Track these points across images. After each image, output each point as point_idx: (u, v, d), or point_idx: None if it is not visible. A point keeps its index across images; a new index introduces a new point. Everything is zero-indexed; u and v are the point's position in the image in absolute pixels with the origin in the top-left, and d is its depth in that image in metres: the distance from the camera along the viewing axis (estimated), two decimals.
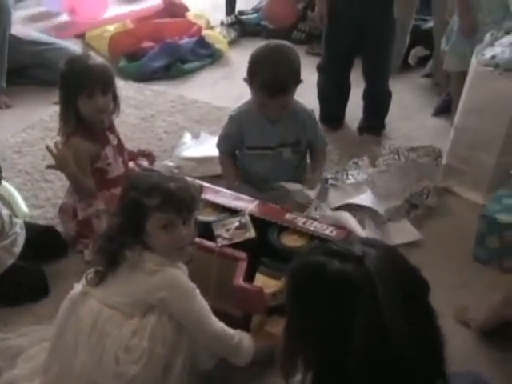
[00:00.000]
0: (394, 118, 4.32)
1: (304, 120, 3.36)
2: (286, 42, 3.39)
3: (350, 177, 3.48)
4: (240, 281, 2.54)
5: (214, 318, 2.32)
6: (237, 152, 3.46)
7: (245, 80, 3.27)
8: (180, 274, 2.31)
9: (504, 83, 3.32)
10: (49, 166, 3.16)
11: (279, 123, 3.31)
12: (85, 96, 3.05)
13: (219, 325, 2.33)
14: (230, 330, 2.37)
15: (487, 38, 3.54)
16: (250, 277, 2.59)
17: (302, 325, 1.53)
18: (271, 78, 3.10)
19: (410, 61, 5.02)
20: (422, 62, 5.00)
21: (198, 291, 2.29)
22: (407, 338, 1.41)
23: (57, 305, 2.41)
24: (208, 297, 2.37)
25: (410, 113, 4.48)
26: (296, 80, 3.22)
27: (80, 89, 3.05)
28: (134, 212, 2.25)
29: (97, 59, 3.21)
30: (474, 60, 3.46)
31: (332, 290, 1.46)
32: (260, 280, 2.59)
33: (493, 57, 3.35)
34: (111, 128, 3.27)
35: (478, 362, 2.58)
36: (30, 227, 3.10)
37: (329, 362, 1.46)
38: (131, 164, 3.42)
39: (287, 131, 3.33)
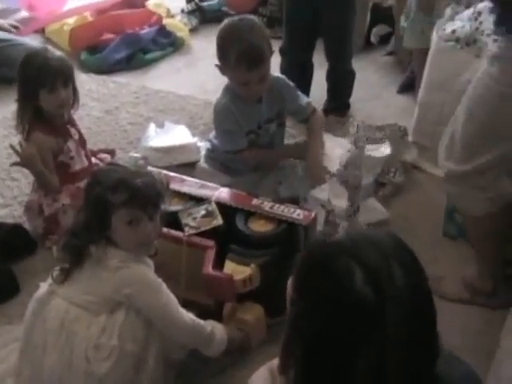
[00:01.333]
0: (359, 97, 4.30)
1: (279, 89, 3.28)
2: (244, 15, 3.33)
3: None
4: (209, 269, 2.52)
5: (182, 311, 2.29)
6: None
7: (217, 66, 3.18)
8: (145, 269, 2.28)
9: (464, 58, 3.31)
10: (14, 164, 3.14)
11: (262, 100, 3.23)
12: (46, 91, 3.02)
13: (189, 317, 2.30)
14: (201, 322, 2.35)
15: (447, 12, 3.52)
16: (219, 265, 2.56)
17: (305, 321, 1.39)
18: (247, 47, 3.01)
19: (372, 39, 5.02)
20: (385, 40, 4.99)
21: (164, 285, 2.26)
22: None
23: (27, 304, 2.38)
24: (179, 287, 2.36)
25: (375, 91, 4.48)
26: (269, 47, 3.12)
27: (41, 84, 3.01)
28: (99, 208, 2.21)
29: (55, 53, 3.16)
30: (434, 35, 3.46)
31: (344, 311, 1.32)
32: (230, 267, 2.56)
33: (453, 31, 3.34)
34: (71, 122, 3.24)
35: (455, 334, 2.58)
36: None
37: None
38: (94, 159, 3.39)
39: (270, 106, 3.26)
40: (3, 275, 2.94)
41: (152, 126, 3.95)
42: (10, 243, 3.08)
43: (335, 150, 3.34)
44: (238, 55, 3.02)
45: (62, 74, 3.06)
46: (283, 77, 3.37)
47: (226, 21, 3.20)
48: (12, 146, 3.05)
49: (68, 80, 3.10)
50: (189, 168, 3.44)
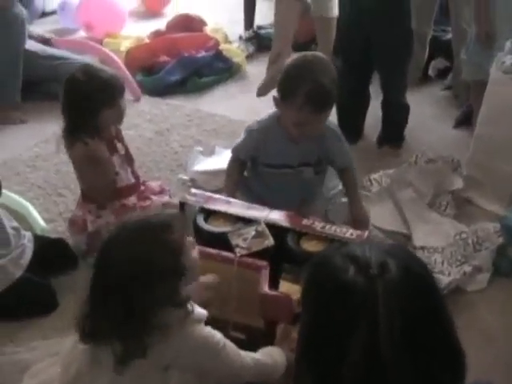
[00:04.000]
0: (414, 129, 4.23)
1: (329, 139, 3.11)
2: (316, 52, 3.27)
3: (373, 182, 3.48)
4: (266, 289, 2.47)
5: (243, 357, 2.17)
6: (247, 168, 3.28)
7: (274, 99, 3.03)
8: (200, 331, 2.10)
9: None
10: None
11: (301, 142, 3.07)
12: (107, 107, 3.02)
13: (250, 359, 2.19)
14: (262, 358, 2.24)
15: (507, 45, 3.45)
16: (272, 285, 2.51)
17: (309, 327, 1.49)
18: (319, 89, 2.86)
19: (431, 73, 4.95)
20: (443, 73, 4.92)
21: (221, 342, 2.11)
22: (405, 375, 1.36)
23: (65, 319, 2.34)
24: (229, 310, 2.32)
25: (431, 125, 4.40)
26: (336, 90, 2.98)
27: (103, 101, 3.01)
28: None
29: (105, 68, 3.17)
30: (493, 68, 3.39)
31: (338, 298, 1.42)
32: (284, 286, 2.51)
33: None
34: (118, 137, 3.22)
35: None
36: (39, 240, 3.06)
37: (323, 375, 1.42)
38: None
39: (309, 150, 3.11)
40: (42, 290, 2.92)
41: (198, 149, 3.93)
42: (50, 257, 3.05)
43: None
44: (308, 96, 2.86)
45: (119, 89, 3.06)
46: (337, 129, 3.21)
47: (296, 56, 3.06)
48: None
49: (123, 92, 3.11)
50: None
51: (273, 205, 2.85)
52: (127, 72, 4.76)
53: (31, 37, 4.80)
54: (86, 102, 3.01)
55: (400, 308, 1.38)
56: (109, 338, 1.96)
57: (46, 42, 4.99)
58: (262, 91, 4.31)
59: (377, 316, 1.36)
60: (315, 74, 2.88)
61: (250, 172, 3.28)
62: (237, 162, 3.22)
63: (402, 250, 1.54)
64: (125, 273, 1.92)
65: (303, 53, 3.11)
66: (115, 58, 4.90)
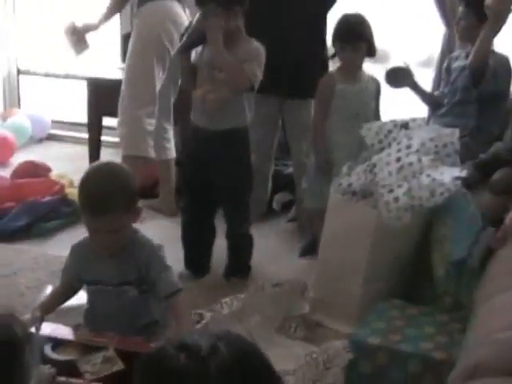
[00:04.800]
0: (261, 261, 4.29)
1: (147, 255, 2.94)
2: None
3: (224, 306, 3.46)
4: None
5: None
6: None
7: None
8: None
9: (362, 210, 3.38)
10: None
11: (118, 257, 2.93)
12: None
13: None
14: None
15: (344, 169, 3.61)
16: None
17: None
18: (91, 194, 2.83)
19: (275, 206, 5.09)
20: (287, 206, 5.06)
21: None
22: None
23: None
24: None
25: (277, 256, 4.48)
26: (126, 199, 2.85)
27: None
28: None
29: None
30: (331, 191, 3.53)
31: None
32: None
33: (349, 185, 3.43)
34: None
35: None
36: None
37: None
38: None
39: (127, 268, 2.94)
40: None
41: (49, 288, 3.85)
42: None
43: None
44: (82, 202, 2.87)
45: None
46: (159, 247, 3.01)
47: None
48: None
49: None
50: None
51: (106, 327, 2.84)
52: None
53: None
54: None
55: None
56: None
57: None
58: None
59: None
60: (95, 178, 2.91)
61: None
62: (61, 284, 3.14)
63: (232, 334, 1.59)
64: None
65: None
66: None
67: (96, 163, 3.19)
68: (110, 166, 3.03)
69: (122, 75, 5.07)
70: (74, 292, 3.13)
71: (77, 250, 3.07)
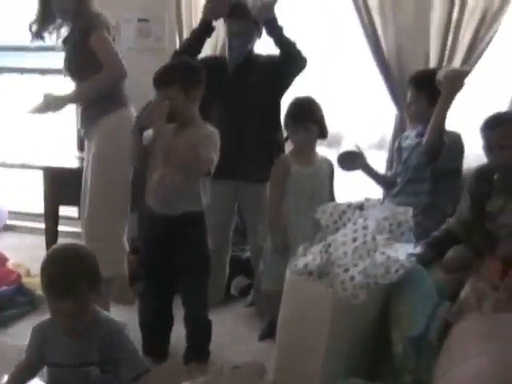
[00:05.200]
0: (220, 345, 4.24)
1: (110, 334, 2.94)
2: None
3: None
4: None
5: None
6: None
7: None
8: None
9: (318, 290, 3.38)
10: None
11: (80, 338, 2.93)
12: None
13: None
14: None
15: (299, 250, 3.64)
16: None
17: None
18: (54, 276, 2.82)
19: (233, 291, 5.07)
20: (245, 291, 5.05)
21: None
22: None
23: None
24: None
25: (236, 340, 4.45)
26: (89, 282, 2.85)
27: None
28: None
29: None
30: (288, 271, 3.53)
31: None
32: None
33: (305, 265, 3.43)
34: None
35: None
36: None
37: None
38: None
39: (89, 347, 2.93)
40: None
41: (4, 378, 3.78)
42: None
43: None
44: (46, 283, 2.86)
45: None
46: (120, 323, 3.02)
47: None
48: None
49: None
50: None
51: None
52: None
53: None
54: None
55: None
56: None
57: None
58: None
59: None
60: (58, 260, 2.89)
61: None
62: (23, 362, 3.09)
63: None
64: None
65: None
66: None
67: (58, 245, 3.18)
68: (72, 248, 3.03)
69: (83, 167, 4.73)
70: (37, 370, 3.09)
71: (38, 331, 3.06)
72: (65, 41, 4.52)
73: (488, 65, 4.95)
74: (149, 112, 3.77)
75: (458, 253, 3.64)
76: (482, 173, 3.76)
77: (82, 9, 4.37)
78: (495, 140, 3.58)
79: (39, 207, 6.01)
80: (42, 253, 5.64)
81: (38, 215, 6.28)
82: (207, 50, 5.07)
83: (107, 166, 4.44)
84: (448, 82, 4.12)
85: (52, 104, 4.37)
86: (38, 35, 4.52)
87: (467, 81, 4.23)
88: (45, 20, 4.48)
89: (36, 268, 5.49)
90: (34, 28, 4.50)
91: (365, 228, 3.48)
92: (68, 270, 2.83)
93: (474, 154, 4.33)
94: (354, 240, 3.43)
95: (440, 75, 4.19)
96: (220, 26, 4.87)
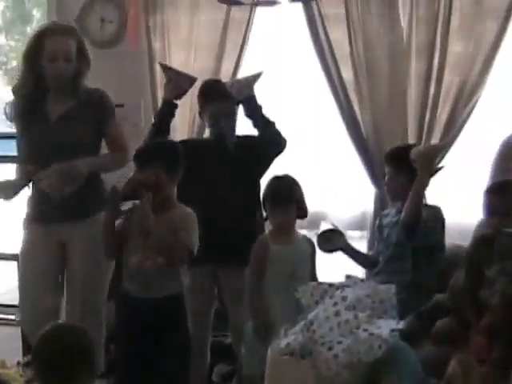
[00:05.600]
0: None
1: None
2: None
3: None
4: None
5: None
6: None
7: None
8: None
9: (301, 371, 3.28)
10: None
11: None
12: None
13: None
14: None
15: (282, 331, 3.55)
16: None
17: None
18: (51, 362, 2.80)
19: (215, 379, 4.96)
20: (227, 378, 4.94)
21: None
22: None
23: None
24: None
25: None
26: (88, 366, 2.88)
27: None
28: None
29: None
30: (269, 352, 3.44)
31: None
32: None
33: (287, 345, 3.33)
34: None
35: None
36: None
37: None
38: None
39: None
40: None
41: None
42: None
43: None
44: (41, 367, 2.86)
45: None
46: None
47: None
48: None
49: None
50: None
51: None
52: None
53: None
54: None
55: None
56: None
57: None
58: None
59: None
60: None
61: None
62: None
63: None
64: None
65: None
66: None
67: (51, 326, 3.01)
68: (66, 329, 3.02)
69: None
70: None
71: None
72: (65, 116, 4.35)
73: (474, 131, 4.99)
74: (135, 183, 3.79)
75: (445, 324, 3.55)
76: (482, 237, 3.70)
77: (81, 82, 4.35)
78: (498, 205, 3.58)
79: (13, 298, 5.89)
80: (17, 344, 5.59)
81: (13, 307, 6.15)
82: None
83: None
84: (422, 159, 4.12)
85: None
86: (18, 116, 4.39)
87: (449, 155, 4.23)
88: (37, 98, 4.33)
89: (11, 359, 5.42)
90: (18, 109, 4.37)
91: (343, 299, 3.40)
92: (66, 356, 2.79)
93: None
94: (337, 313, 3.34)
95: (413, 153, 4.18)
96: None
